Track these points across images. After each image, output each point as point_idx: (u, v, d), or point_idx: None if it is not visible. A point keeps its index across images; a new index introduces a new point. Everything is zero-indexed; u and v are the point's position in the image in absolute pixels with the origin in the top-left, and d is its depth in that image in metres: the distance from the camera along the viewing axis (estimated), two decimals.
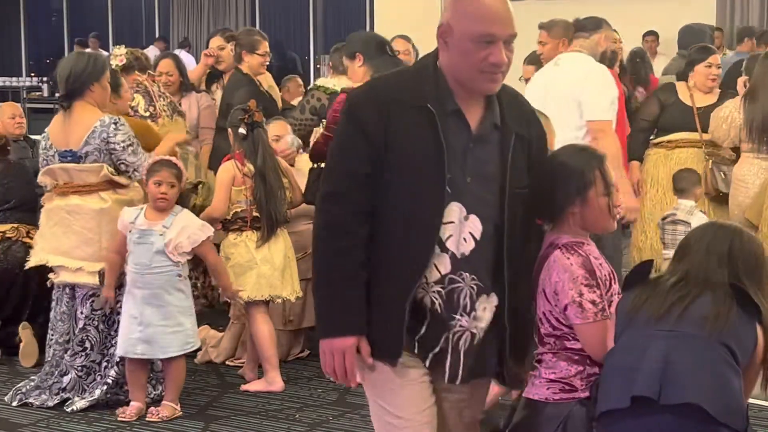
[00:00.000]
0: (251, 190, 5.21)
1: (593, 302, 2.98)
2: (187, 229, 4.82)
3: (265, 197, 5.20)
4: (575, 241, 3.06)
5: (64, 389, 5.06)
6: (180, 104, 6.47)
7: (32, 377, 5.24)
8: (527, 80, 6.56)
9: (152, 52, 12.09)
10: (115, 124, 4.96)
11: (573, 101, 5.38)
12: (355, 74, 5.46)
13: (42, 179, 5.10)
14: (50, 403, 5.03)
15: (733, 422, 2.81)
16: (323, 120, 5.78)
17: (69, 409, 4.94)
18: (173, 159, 4.97)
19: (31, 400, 5.07)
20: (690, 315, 2.90)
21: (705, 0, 12.69)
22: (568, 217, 3.03)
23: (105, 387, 5.00)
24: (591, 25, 5.73)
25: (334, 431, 4.72)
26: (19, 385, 5.19)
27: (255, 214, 5.22)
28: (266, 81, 6.84)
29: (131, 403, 4.88)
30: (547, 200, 3.00)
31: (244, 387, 5.31)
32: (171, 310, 4.79)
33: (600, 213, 3.04)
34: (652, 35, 12.38)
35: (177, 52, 11.01)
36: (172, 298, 4.79)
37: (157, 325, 4.76)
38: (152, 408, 4.88)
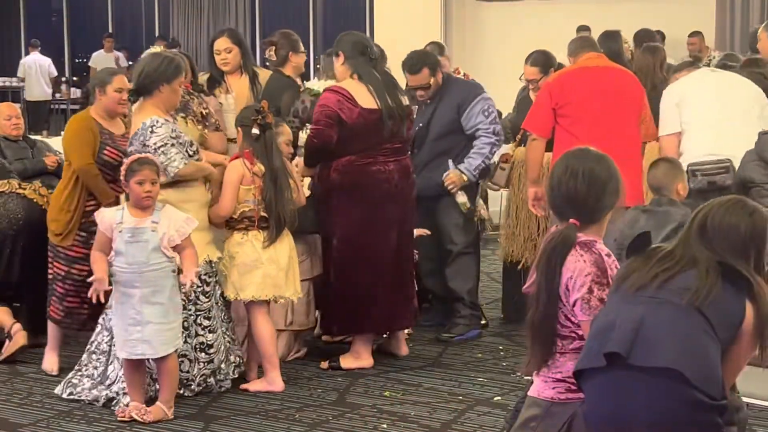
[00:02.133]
0: (259, 189, 5.20)
1: (601, 300, 3.02)
2: (174, 222, 4.81)
3: (275, 198, 5.20)
4: (589, 239, 3.11)
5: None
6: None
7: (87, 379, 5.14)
8: (528, 81, 6.52)
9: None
10: (152, 127, 5.03)
11: (755, 100, 5.73)
12: (338, 72, 5.73)
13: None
14: (101, 398, 5.01)
15: (708, 389, 2.78)
16: (306, 124, 5.84)
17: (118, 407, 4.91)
18: (149, 155, 4.92)
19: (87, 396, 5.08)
20: (672, 285, 2.92)
21: (705, 0, 12.68)
22: (602, 219, 3.21)
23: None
24: None
25: (334, 431, 4.72)
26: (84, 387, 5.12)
27: (262, 214, 5.22)
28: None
29: (130, 403, 4.87)
30: (593, 204, 3.17)
31: (244, 387, 5.31)
32: (167, 307, 4.78)
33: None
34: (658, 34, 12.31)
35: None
36: (168, 294, 4.78)
37: (156, 323, 4.75)
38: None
